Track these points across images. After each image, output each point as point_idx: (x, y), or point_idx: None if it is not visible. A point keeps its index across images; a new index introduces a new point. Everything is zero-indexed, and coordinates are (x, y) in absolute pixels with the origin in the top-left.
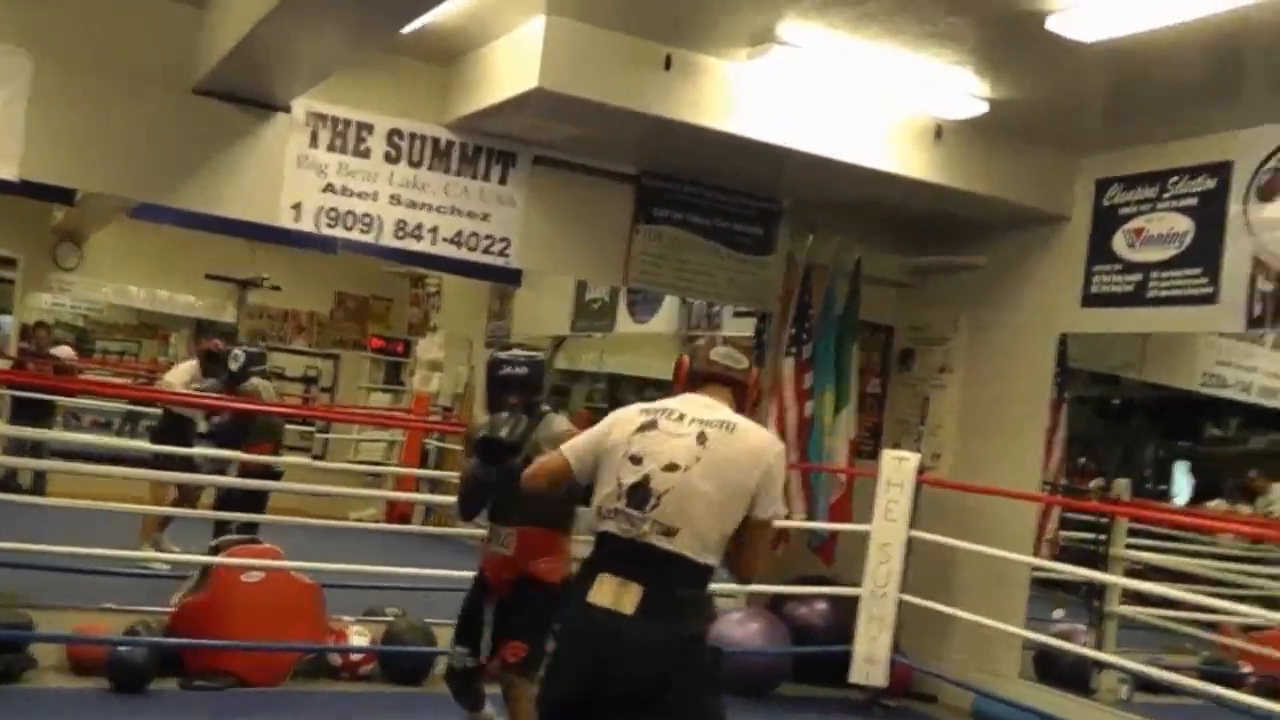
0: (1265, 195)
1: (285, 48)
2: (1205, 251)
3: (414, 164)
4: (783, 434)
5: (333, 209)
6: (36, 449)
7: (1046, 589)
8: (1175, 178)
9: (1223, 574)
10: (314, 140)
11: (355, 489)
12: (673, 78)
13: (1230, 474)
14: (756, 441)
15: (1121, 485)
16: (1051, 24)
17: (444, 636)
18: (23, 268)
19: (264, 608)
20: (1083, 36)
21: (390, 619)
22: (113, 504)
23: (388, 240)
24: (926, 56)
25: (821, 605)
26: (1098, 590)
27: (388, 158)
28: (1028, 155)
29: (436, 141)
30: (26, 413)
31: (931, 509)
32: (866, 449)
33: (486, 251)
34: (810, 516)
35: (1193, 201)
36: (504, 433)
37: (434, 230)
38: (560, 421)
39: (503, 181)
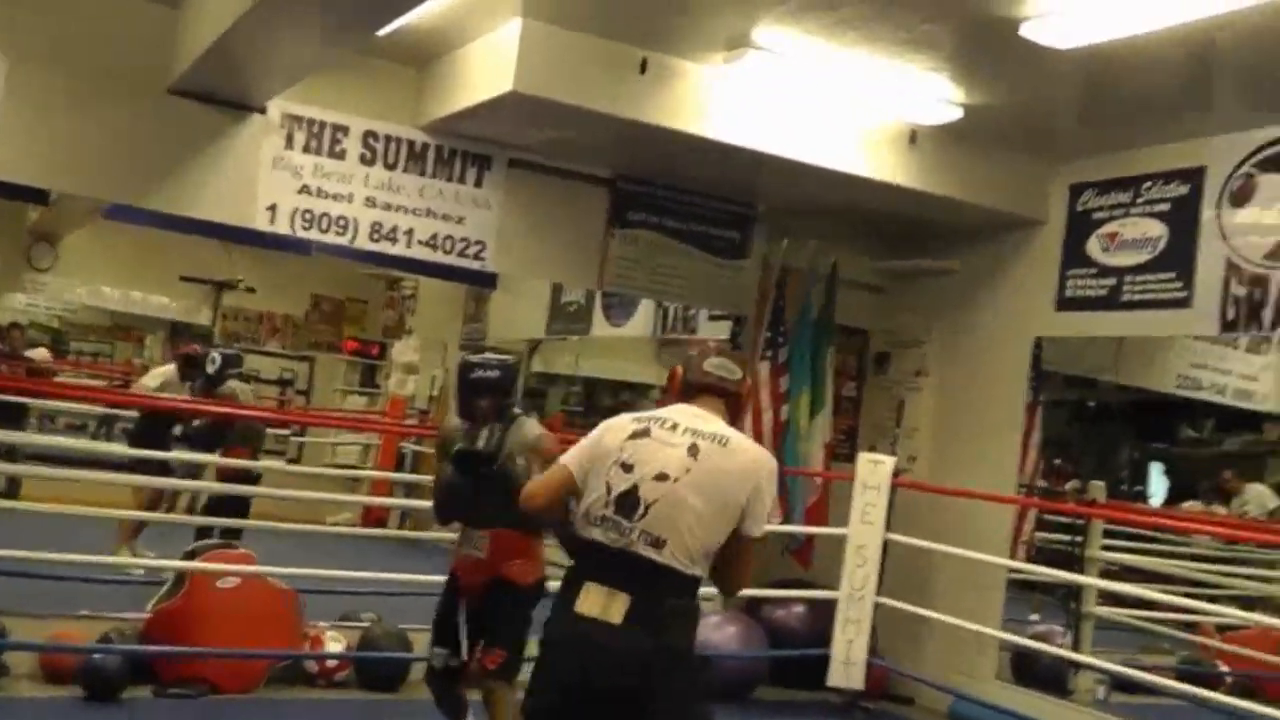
0: (1238, 200)
1: (261, 49)
2: (1179, 256)
3: (389, 166)
4: (759, 437)
5: (308, 211)
6: (10, 453)
7: (1023, 591)
8: (1149, 183)
9: (1198, 574)
10: (289, 142)
11: (331, 493)
12: (648, 82)
13: (1205, 475)
14: (749, 458)
15: (1097, 487)
16: (1026, 31)
17: (420, 642)
18: None
19: (239, 614)
20: (1057, 43)
21: (366, 624)
22: (89, 509)
23: (363, 243)
24: (902, 62)
25: (799, 608)
26: (1074, 592)
27: (363, 160)
28: (1002, 160)
29: (412, 144)
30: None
31: (908, 512)
32: (842, 452)
33: (462, 254)
34: (787, 520)
35: (1166, 207)
36: (480, 444)
37: (409, 233)
38: (532, 425)
39: (478, 184)
